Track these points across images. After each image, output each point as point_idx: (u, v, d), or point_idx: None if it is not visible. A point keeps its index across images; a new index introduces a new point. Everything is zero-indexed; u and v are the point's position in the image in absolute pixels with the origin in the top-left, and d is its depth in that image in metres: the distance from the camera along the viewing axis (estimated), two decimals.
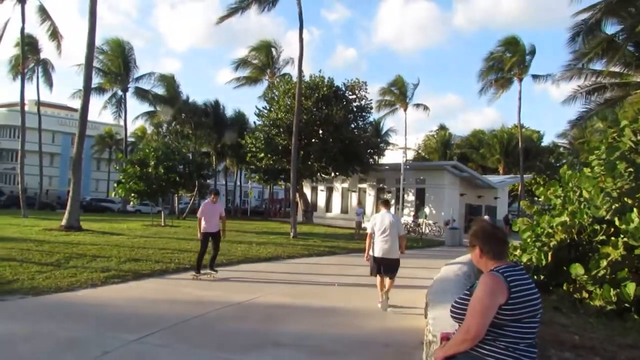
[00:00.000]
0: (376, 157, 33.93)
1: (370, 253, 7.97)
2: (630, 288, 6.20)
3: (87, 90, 20.08)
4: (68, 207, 18.89)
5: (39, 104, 42.97)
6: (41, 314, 6.55)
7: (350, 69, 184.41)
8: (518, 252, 8.50)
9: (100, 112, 45.81)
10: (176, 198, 37.20)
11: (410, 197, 33.55)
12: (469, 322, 2.53)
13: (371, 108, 34.15)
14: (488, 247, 2.67)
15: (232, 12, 23.68)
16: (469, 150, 54.06)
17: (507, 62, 36.94)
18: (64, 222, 18.44)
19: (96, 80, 40.47)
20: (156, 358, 4.91)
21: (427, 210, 31.80)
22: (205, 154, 42.33)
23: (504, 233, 2.77)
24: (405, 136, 48.53)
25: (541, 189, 9.32)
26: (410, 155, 53.89)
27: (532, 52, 37.42)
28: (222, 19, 24.25)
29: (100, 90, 43.43)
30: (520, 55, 36.70)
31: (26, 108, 33.73)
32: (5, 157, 63.89)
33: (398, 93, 47.56)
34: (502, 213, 35.73)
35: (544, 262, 7.71)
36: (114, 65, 43.12)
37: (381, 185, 35.14)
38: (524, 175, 40.48)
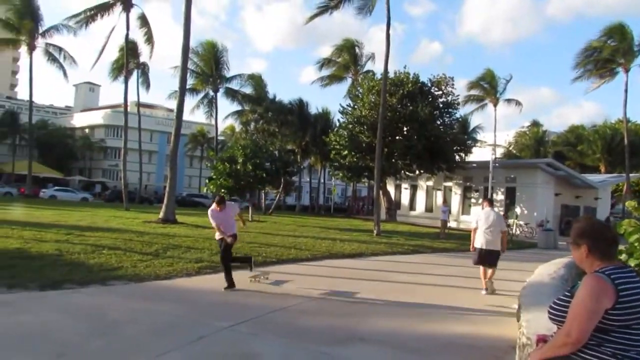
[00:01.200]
0: (463, 155, 32.87)
1: (475, 245, 9.05)
2: None
3: (182, 92, 21.30)
4: (165, 202, 20.17)
5: (139, 105, 46.24)
6: (142, 299, 7.08)
7: (434, 64, 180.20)
8: (624, 256, 7.86)
9: (193, 111, 48.24)
10: (263, 194, 38.42)
11: (500, 196, 32.14)
12: (570, 326, 2.38)
13: (458, 104, 33.15)
14: (596, 246, 2.49)
15: (322, 11, 23.98)
16: (565, 148, 50.80)
17: (609, 51, 34.14)
18: (161, 215, 19.69)
19: (190, 81, 42.81)
20: (247, 345, 5.13)
21: (517, 210, 30.31)
22: (291, 151, 43.35)
23: (614, 231, 2.58)
24: (494, 133, 46.62)
25: None
26: (500, 152, 51.66)
27: None
28: (311, 18, 24.63)
29: (194, 91, 45.83)
30: (627, 44, 33.78)
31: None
32: (109, 155, 69.41)
33: (488, 87, 45.77)
34: (603, 214, 33.19)
35: None
36: (207, 67, 45.31)
37: (468, 183, 34.01)
38: (630, 175, 37.30)
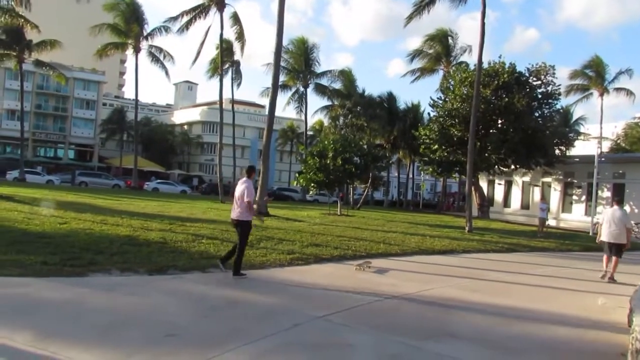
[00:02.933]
0: (564, 149, 30.78)
1: (602, 239, 10.60)
2: None
3: (275, 88, 21.94)
4: (258, 195, 20.93)
5: (233, 101, 48.25)
6: (239, 287, 7.45)
7: (529, 52, 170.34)
8: None
9: (284, 107, 49.78)
10: (351, 189, 38.61)
11: (605, 193, 29.78)
12: None
13: (559, 94, 31.05)
14: None
15: (418, 9, 23.59)
16: None
17: None
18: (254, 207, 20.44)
19: (281, 78, 43.98)
20: (339, 335, 5.24)
21: (627, 208, 27.90)
22: (379, 146, 43.13)
23: None
24: (600, 125, 43.16)
25: None
26: (606, 146, 47.82)
27: None
28: (409, 18, 24.19)
29: (285, 87, 47.05)
30: None
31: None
32: (206, 150, 73.26)
33: (594, 76, 42.41)
34: None
35: None
36: (297, 64, 46.30)
37: (569, 179, 31.85)
38: None
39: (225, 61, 40.93)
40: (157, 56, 45.73)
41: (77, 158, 66.44)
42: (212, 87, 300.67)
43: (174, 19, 35.74)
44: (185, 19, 34.37)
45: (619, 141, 52.10)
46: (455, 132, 29.52)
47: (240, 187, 8.11)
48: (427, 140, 31.27)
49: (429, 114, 36.45)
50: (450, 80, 32.82)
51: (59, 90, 63.62)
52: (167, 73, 47.10)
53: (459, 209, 41.98)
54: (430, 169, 33.71)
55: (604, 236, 10.49)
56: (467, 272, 10.44)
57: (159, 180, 52.13)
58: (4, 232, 9.95)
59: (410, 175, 54.56)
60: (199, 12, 33.85)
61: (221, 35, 34.74)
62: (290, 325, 5.35)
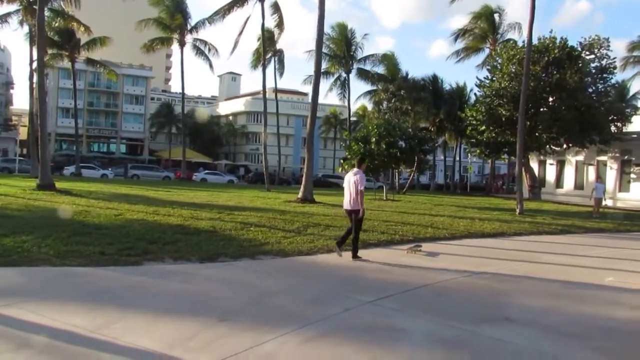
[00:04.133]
0: (620, 125, 29.30)
1: None
2: None
3: (317, 75, 21.91)
4: (303, 182, 21.08)
5: (276, 91, 48.70)
6: (289, 272, 7.55)
7: (580, 26, 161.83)
8: None
9: (326, 94, 49.64)
10: (397, 173, 38.25)
11: None
12: None
13: (614, 68, 29.52)
14: None
15: None
16: None
17: None
18: (300, 195, 20.63)
19: (323, 65, 43.87)
20: (391, 319, 5.22)
21: None
22: (424, 129, 42.45)
23: None
24: None
25: None
26: None
27: None
28: None
29: (327, 74, 46.91)
30: None
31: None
32: (251, 139, 74.30)
33: None
34: None
35: None
36: (339, 49, 46.02)
37: (626, 157, 30.33)
38: None
39: (268, 50, 41.18)
40: (202, 49, 46.57)
41: (128, 152, 68.97)
42: (255, 78, 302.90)
43: (217, 12, 36.24)
44: (226, 7, 34.77)
45: None
46: (504, 112, 28.66)
47: (352, 178, 8.66)
48: (474, 122, 30.52)
49: (475, 94, 35.62)
50: (497, 58, 31.78)
51: (109, 87, 66.10)
52: (211, 65, 47.90)
53: (509, 191, 40.86)
54: (478, 151, 32.95)
55: None
56: (520, 254, 10.17)
57: (206, 171, 53.37)
58: (64, 224, 10.45)
59: (457, 158, 53.49)
60: (239, 2, 34.13)
61: (263, 24, 34.95)
62: (341, 310, 5.37)
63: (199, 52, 46.58)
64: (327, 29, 44.68)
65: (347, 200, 8.76)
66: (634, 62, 41.47)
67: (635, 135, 29.14)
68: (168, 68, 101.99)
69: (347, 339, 4.58)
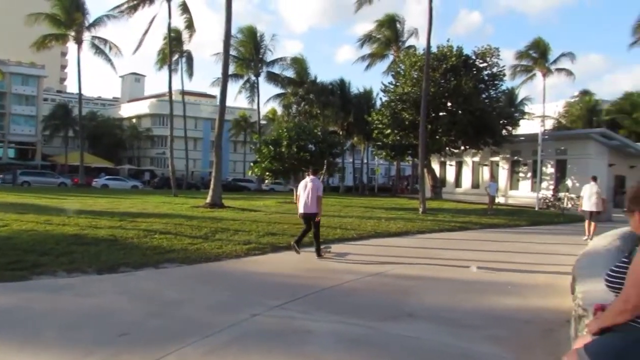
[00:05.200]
0: (510, 128, 31.84)
1: (583, 209, 13.86)
2: None
3: (225, 78, 21.54)
4: (211, 186, 20.58)
5: (183, 93, 47.16)
6: (195, 281, 7.29)
7: (474, 36, 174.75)
8: None
9: (235, 97, 48.88)
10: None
11: (549, 169, 31.08)
12: (629, 292, 2.28)
13: (504, 75, 32.05)
14: None
15: None
16: (619, 116, 48.23)
17: None
18: (208, 200, 20.12)
19: (231, 67, 43.30)
20: (298, 322, 5.20)
21: (569, 183, 29.22)
22: (333, 132, 43.26)
23: None
24: (543, 104, 44.87)
25: None
26: (549, 124, 49.76)
27: None
28: (359, 3, 24.45)
29: (236, 76, 46.31)
30: None
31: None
32: (156, 143, 71.41)
33: (537, 57, 43.84)
34: None
35: None
36: (247, 52, 45.63)
37: (516, 157, 33.02)
38: None
39: (175, 51, 39.84)
40: (101, 48, 43.98)
41: (18, 157, 63.26)
42: (160, 79, 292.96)
43: (119, 7, 34.28)
44: (130, 5, 33.07)
45: (560, 119, 54.36)
46: (407, 116, 29.96)
47: (309, 184, 9.45)
48: (380, 125, 31.62)
49: (380, 99, 36.84)
50: (400, 64, 33.22)
51: None
52: (112, 65, 45.34)
53: (413, 192, 42.80)
54: (384, 153, 34.16)
55: (585, 207, 13.71)
56: (422, 252, 10.65)
57: (108, 177, 50.41)
58: None
59: (365, 161, 55.10)
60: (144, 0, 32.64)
61: (169, 24, 33.80)
62: (248, 316, 5.27)
63: (98, 50, 43.99)
64: (235, 32, 44.31)
65: (302, 204, 9.42)
66: (521, 71, 45.26)
67: (523, 138, 31.78)
68: (64, 67, 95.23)
69: (253, 346, 4.49)
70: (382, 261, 9.22)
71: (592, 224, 13.44)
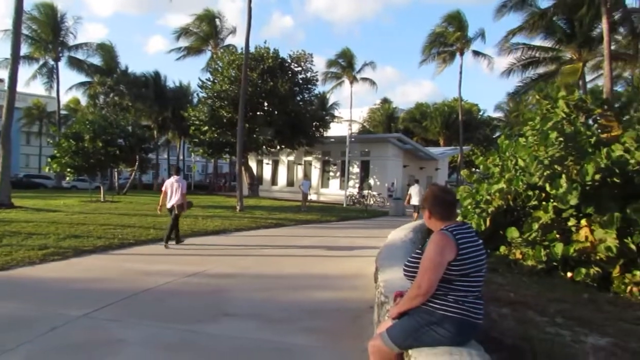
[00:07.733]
0: (322, 130, 34.04)
1: (412, 202, 18.50)
2: (558, 248, 6.69)
3: (16, 59, 18.82)
4: None
5: None
6: None
7: (287, 39, 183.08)
8: (459, 218, 8.89)
9: (28, 82, 42.57)
10: (116, 173, 35.99)
11: (355, 169, 34.08)
12: (421, 279, 2.68)
13: (317, 80, 34.10)
14: (435, 209, 2.84)
15: None
16: (412, 124, 55.16)
17: (451, 37, 37.65)
18: None
19: (24, 48, 37.95)
20: (107, 332, 4.84)
21: (371, 181, 32.46)
22: (146, 127, 40.95)
23: (452, 195, 2.93)
24: (350, 109, 48.85)
25: (480, 158, 9.76)
26: (356, 128, 54.44)
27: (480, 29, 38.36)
28: None
29: (29, 59, 40.74)
30: (463, 30, 37.52)
31: None
32: None
33: (345, 65, 47.50)
34: (441, 183, 37.00)
35: (483, 227, 8.13)
36: (45, 33, 40.42)
37: (327, 157, 35.43)
38: (464, 147, 41.99)
39: None
40: None
41: None
42: None
43: None
44: None
45: (364, 124, 59.98)
46: (225, 114, 29.94)
47: (175, 184, 10.72)
48: (197, 122, 31.04)
49: (198, 95, 36.10)
50: (218, 62, 32.98)
51: None
52: None
53: (231, 189, 42.92)
54: (201, 150, 33.59)
55: (414, 201, 18.37)
56: (240, 250, 10.78)
57: None
58: None
59: (181, 157, 53.41)
60: None
61: None
62: (47, 330, 4.72)
63: None
64: (29, 8, 39.00)
65: (171, 200, 10.69)
66: (331, 77, 48.62)
67: (333, 140, 34.27)
68: None
69: None
70: (200, 261, 9.08)
71: (416, 214, 18.56)
